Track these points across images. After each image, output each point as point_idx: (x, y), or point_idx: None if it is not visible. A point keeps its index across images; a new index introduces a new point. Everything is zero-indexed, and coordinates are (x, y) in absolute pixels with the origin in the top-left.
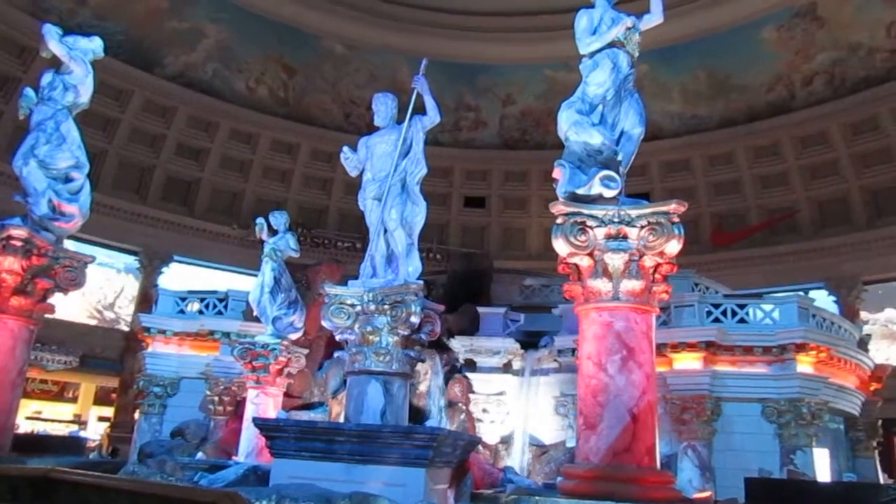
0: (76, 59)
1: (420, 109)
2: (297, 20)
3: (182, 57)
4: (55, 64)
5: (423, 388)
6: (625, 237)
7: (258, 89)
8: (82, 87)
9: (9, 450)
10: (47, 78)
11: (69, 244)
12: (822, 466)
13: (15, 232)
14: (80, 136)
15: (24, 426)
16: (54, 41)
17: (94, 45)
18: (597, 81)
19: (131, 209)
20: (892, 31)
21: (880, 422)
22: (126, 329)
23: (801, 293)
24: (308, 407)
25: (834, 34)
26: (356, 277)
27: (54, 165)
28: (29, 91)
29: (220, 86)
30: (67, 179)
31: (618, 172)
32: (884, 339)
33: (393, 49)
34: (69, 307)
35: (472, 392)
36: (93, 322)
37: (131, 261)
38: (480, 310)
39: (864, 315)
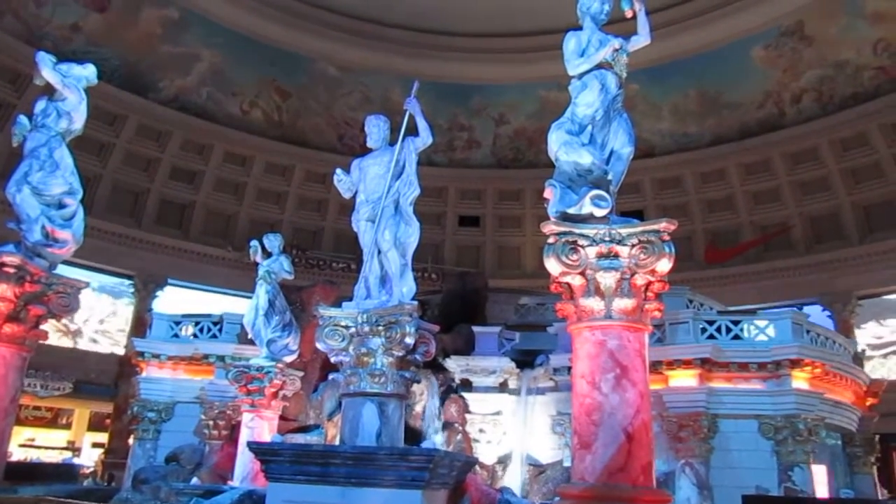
0: (70, 86)
1: (413, 131)
2: (290, 43)
3: (176, 81)
4: (49, 91)
5: (418, 408)
6: (616, 256)
7: (252, 112)
8: (76, 113)
9: (1, 478)
10: (41, 105)
11: (63, 269)
12: (821, 483)
13: (8, 259)
14: (74, 161)
15: (17, 454)
16: (48, 69)
17: (88, 71)
18: (586, 102)
19: (126, 233)
20: (879, 49)
21: (877, 437)
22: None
23: (796, 309)
24: (303, 430)
25: (821, 52)
26: (351, 299)
27: (48, 192)
28: (23, 118)
29: (214, 109)
30: (61, 205)
31: (608, 192)
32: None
33: (386, 71)
34: None
35: (469, 412)
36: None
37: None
38: (476, 329)
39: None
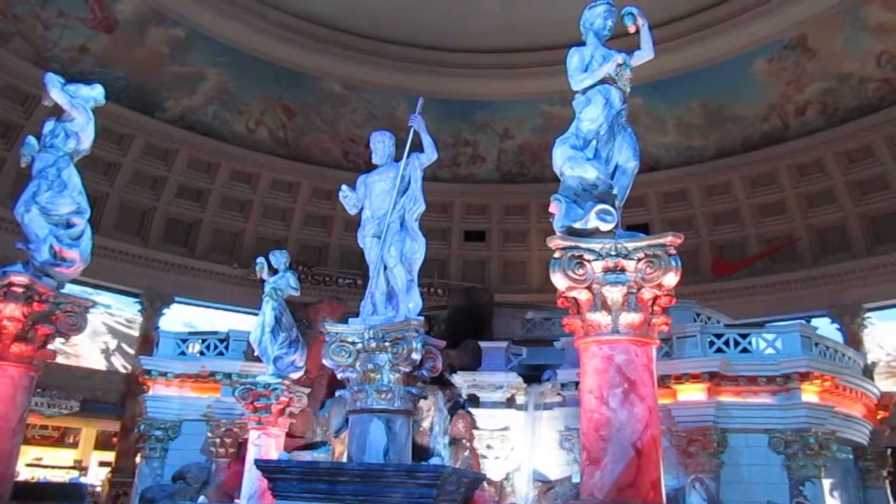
0: (78, 106)
1: (417, 147)
2: (295, 62)
3: (183, 100)
4: (57, 112)
5: (425, 424)
6: (622, 270)
7: (258, 130)
8: (84, 134)
9: (9, 499)
10: (49, 126)
11: (71, 287)
12: (833, 498)
13: (16, 279)
14: (82, 181)
15: (24, 473)
16: (56, 90)
17: (96, 92)
18: (590, 117)
19: (133, 251)
20: (882, 61)
21: (889, 451)
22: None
23: (804, 322)
24: (310, 447)
25: (825, 65)
26: (357, 315)
27: (56, 212)
28: (31, 139)
29: (220, 127)
30: (69, 225)
31: (613, 206)
32: None
33: (391, 88)
34: None
35: (476, 428)
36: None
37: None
38: (482, 344)
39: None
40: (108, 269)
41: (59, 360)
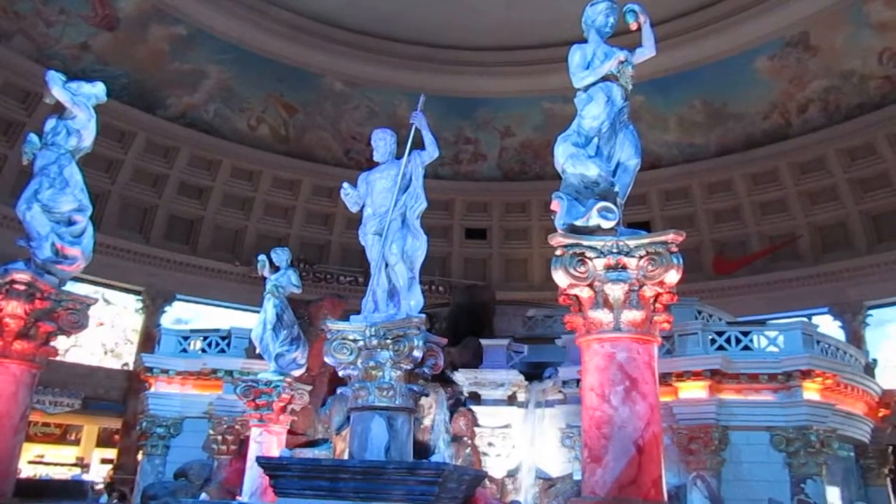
0: (79, 104)
1: (419, 144)
2: (296, 59)
3: (184, 98)
4: (59, 109)
5: (427, 422)
6: (624, 268)
7: (259, 128)
8: (85, 131)
9: (11, 496)
10: (51, 123)
11: (72, 285)
12: (834, 496)
13: (18, 276)
14: (83, 178)
15: (26, 470)
16: (57, 87)
17: (97, 89)
18: (592, 114)
19: (134, 249)
20: (885, 59)
21: (890, 449)
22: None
23: (805, 319)
24: (312, 444)
25: (827, 62)
26: (358, 312)
27: (57, 209)
28: (33, 136)
29: (222, 125)
30: (70, 222)
31: (615, 203)
32: None
33: (392, 85)
34: None
35: (477, 425)
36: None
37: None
38: (484, 342)
39: None
40: (109, 267)
41: (61, 357)
